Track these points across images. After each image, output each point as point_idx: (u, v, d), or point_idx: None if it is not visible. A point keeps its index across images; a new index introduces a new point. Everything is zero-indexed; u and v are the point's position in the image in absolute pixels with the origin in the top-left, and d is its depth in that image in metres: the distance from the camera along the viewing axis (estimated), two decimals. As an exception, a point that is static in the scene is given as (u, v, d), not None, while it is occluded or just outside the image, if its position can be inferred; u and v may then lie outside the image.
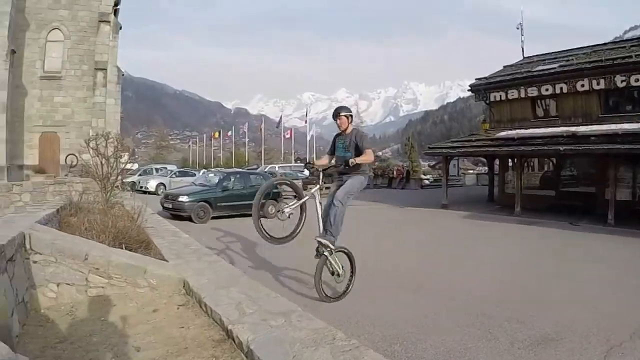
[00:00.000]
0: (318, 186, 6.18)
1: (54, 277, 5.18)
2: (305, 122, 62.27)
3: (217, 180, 17.06)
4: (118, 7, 25.11)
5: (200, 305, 4.95)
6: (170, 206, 15.41)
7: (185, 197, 15.45)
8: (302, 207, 6.22)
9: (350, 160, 5.73)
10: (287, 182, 7.16)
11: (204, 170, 54.04)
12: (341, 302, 6.11)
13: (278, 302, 4.63)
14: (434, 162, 45.18)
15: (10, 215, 7.78)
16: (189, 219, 14.99)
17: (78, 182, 14.84)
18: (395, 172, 42.13)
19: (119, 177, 12.18)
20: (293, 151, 66.08)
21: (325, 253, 5.92)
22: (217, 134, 78.00)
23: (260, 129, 65.62)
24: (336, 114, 6.29)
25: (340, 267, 6.11)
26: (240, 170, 25.46)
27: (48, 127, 22.68)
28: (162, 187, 27.92)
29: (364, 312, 5.81)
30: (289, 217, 5.90)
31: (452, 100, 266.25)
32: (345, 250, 6.26)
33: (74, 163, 19.87)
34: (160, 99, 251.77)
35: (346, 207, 6.02)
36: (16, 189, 14.18)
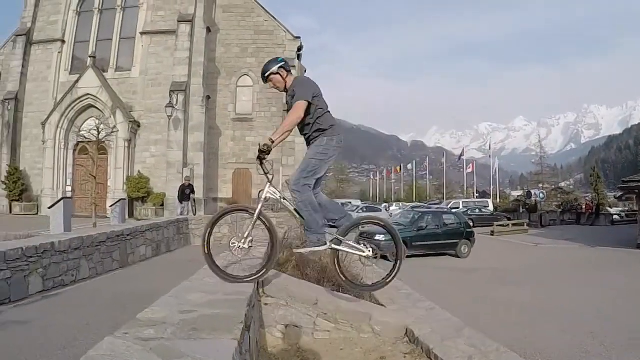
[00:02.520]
0: (267, 183, 4.11)
1: (282, 319, 5.37)
2: (490, 155, 58.87)
3: (411, 219, 17.00)
4: (301, 52, 25.90)
5: (428, 356, 4.83)
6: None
7: (382, 236, 15.24)
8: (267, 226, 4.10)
9: (260, 144, 3.84)
10: None
11: (384, 204, 54.26)
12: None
13: (509, 358, 4.39)
14: (620, 193, 39.64)
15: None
16: (384, 257, 14.62)
17: (272, 217, 15.22)
18: (584, 207, 38.62)
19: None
20: (475, 185, 63.16)
21: (333, 246, 4.19)
22: (398, 169, 77.93)
23: (441, 163, 63.74)
24: (264, 78, 4.23)
25: (363, 245, 4.34)
26: (435, 209, 24.46)
27: (241, 164, 24.06)
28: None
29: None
30: (249, 248, 4.10)
31: (636, 123, 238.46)
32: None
33: (268, 197, 20.63)
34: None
35: (307, 190, 4.06)
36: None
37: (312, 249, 4.16)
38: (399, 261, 4.38)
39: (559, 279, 12.31)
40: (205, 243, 3.98)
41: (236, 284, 4.14)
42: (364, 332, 5.59)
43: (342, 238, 4.11)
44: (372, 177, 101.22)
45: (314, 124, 4.08)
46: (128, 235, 9.22)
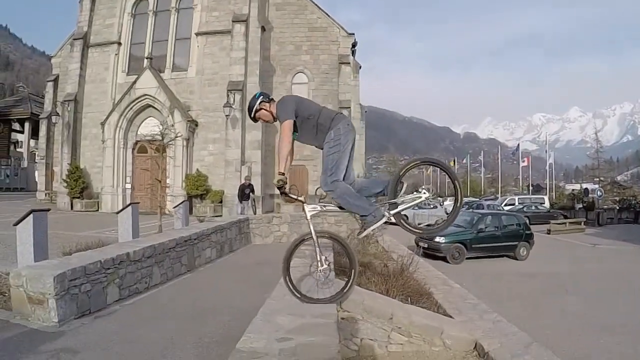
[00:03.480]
0: (304, 204, 4.09)
1: (358, 333, 5.64)
2: (546, 150, 56.78)
3: (470, 221, 16.73)
4: (355, 48, 25.61)
5: (498, 371, 5.02)
6: (426, 246, 15.08)
7: (442, 238, 15.38)
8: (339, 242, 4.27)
9: (274, 182, 4.06)
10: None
11: (439, 198, 53.40)
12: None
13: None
14: None
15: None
16: (443, 259, 15.10)
17: (330, 215, 15.36)
18: None
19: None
20: (530, 179, 61.19)
21: (392, 212, 3.99)
22: (452, 162, 76.71)
23: (496, 157, 61.98)
24: (253, 118, 4.40)
25: (416, 191, 4.05)
26: (494, 211, 24.14)
27: (297, 161, 23.92)
28: (405, 217, 27.90)
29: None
30: (328, 266, 4.13)
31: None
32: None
33: (323, 195, 20.70)
34: (390, 125, 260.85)
35: (338, 185, 3.93)
36: (276, 220, 15.09)
37: (372, 227, 4.00)
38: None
39: (617, 288, 11.88)
40: (286, 274, 4.05)
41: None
42: (436, 345, 5.85)
43: (395, 200, 3.95)
44: (425, 170, 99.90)
45: (317, 130, 4.02)
46: (195, 239, 9.27)
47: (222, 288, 7.68)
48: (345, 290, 4.17)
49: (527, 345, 5.86)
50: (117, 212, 9.37)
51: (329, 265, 4.11)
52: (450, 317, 6.88)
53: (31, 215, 6.28)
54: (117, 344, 4.68)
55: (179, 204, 12.63)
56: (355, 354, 5.51)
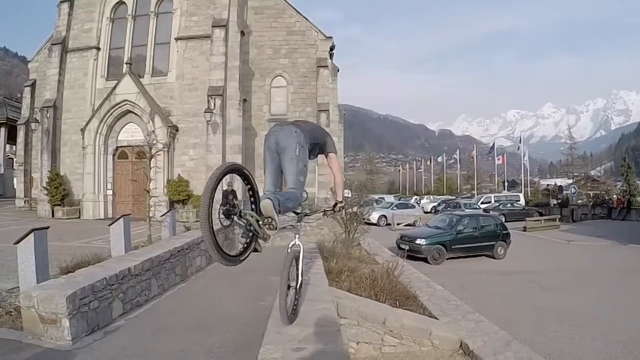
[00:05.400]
0: None
1: (355, 337, 6.25)
2: (519, 147, 58.06)
3: (449, 223, 17.58)
4: (333, 51, 25.86)
5: (483, 369, 5.48)
6: (407, 247, 15.86)
7: (423, 240, 16.26)
8: None
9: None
10: None
11: (415, 196, 54.11)
12: None
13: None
14: None
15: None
16: (424, 260, 15.72)
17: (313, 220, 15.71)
18: (615, 202, 38.14)
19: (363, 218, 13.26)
20: (505, 175, 62.27)
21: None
22: (429, 162, 77.68)
23: (472, 156, 62.87)
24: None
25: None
26: (472, 212, 24.93)
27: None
28: (383, 218, 28.99)
29: None
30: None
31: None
32: None
33: (305, 198, 20.97)
34: (366, 123, 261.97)
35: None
36: (257, 224, 15.18)
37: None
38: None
39: (591, 283, 12.68)
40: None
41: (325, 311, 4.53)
42: (425, 345, 6.40)
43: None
44: (401, 167, 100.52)
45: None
46: (187, 249, 9.50)
47: (217, 296, 7.93)
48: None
49: (508, 342, 6.41)
50: (110, 225, 9.50)
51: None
52: (436, 318, 7.53)
53: (32, 234, 6.42)
54: (131, 358, 4.92)
55: (166, 213, 12.77)
56: (352, 357, 5.92)
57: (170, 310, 6.90)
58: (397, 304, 7.56)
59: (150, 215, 12.29)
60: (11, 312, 5.93)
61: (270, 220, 3.51)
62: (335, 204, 4.34)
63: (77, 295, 5.29)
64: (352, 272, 9.14)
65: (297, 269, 4.22)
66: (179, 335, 5.65)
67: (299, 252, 4.18)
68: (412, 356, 6.35)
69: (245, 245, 3.63)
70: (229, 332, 5.75)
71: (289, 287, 4.07)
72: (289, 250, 4.17)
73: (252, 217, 3.50)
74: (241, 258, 3.57)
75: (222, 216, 3.38)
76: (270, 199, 3.44)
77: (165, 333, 5.74)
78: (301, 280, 4.32)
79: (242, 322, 6.07)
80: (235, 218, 3.48)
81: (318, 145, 4.28)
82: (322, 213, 4.68)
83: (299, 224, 4.34)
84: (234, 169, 3.55)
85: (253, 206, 3.65)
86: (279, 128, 4.07)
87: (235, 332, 5.70)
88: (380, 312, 6.59)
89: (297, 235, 4.20)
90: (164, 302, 7.35)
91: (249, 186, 3.68)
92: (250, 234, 3.61)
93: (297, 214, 4.30)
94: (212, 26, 22.53)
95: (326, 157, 4.34)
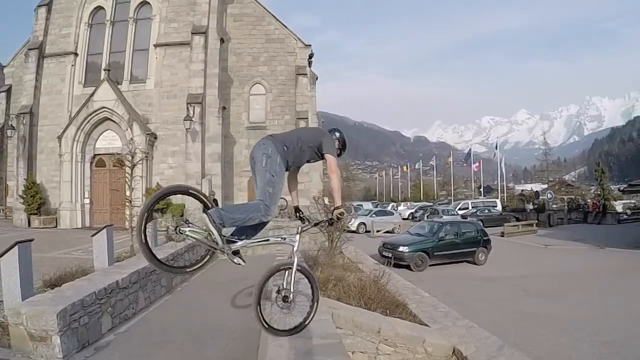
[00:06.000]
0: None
1: (350, 347, 6.22)
2: (495, 155, 59.01)
3: (430, 230, 17.80)
4: (312, 59, 25.94)
5: (477, 373, 5.46)
6: (390, 255, 16.07)
7: (405, 247, 16.37)
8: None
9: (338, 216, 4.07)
10: None
11: (392, 203, 54.38)
12: None
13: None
14: (624, 186, 40.27)
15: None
16: (407, 267, 15.81)
17: (293, 227, 15.65)
18: (590, 207, 39.34)
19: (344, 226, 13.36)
20: (482, 181, 63.11)
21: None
22: (405, 168, 78.23)
23: (448, 163, 63.63)
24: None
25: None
26: (453, 219, 25.48)
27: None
28: (362, 226, 28.98)
29: None
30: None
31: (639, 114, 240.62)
32: None
33: (284, 206, 20.89)
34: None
35: None
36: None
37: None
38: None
39: (573, 287, 12.97)
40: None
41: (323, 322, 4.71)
42: (418, 353, 6.47)
43: None
44: (377, 174, 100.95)
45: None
46: (172, 259, 9.37)
47: (207, 307, 7.84)
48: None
49: (500, 347, 6.51)
50: (92, 235, 9.30)
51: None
52: (427, 325, 7.56)
53: (16, 247, 6.25)
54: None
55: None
56: (348, 365, 5.83)
57: (159, 323, 6.78)
58: (388, 312, 7.62)
59: (133, 225, 12.03)
60: (-4, 329, 5.75)
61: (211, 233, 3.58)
62: (334, 210, 4.04)
63: (67, 311, 5.16)
64: (338, 280, 9.14)
65: (291, 282, 4.00)
66: (173, 349, 5.57)
67: (291, 265, 3.96)
68: (407, 364, 6.38)
69: (201, 257, 3.87)
70: (223, 345, 5.69)
71: (284, 299, 3.97)
72: (286, 259, 4.15)
73: (193, 232, 3.59)
74: (188, 269, 3.96)
75: (171, 230, 3.58)
76: (207, 214, 3.54)
77: (158, 347, 5.65)
78: (293, 292, 4.03)
79: (236, 334, 6.01)
80: (178, 232, 3.57)
81: (312, 149, 4.13)
82: (326, 223, 4.46)
83: (288, 239, 4.18)
84: (178, 191, 3.79)
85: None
86: (256, 143, 4.03)
87: (230, 346, 5.64)
88: (374, 321, 6.67)
89: (294, 247, 4.02)
90: (152, 315, 7.24)
91: (202, 205, 3.72)
92: (208, 248, 3.73)
93: (304, 221, 4.23)
94: (192, 33, 22.48)
95: (323, 159, 4.20)
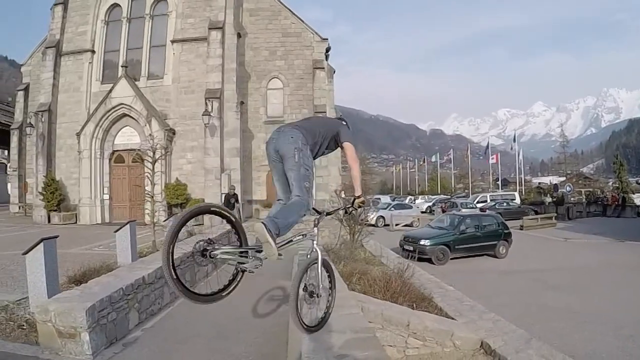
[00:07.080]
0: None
1: (380, 340, 5.60)
2: (512, 147, 58.19)
3: (451, 223, 17.76)
4: (329, 53, 25.81)
5: (507, 366, 5.47)
6: (411, 248, 16.01)
7: (427, 240, 16.41)
8: None
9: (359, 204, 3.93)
10: None
11: (409, 197, 54.15)
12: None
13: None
14: None
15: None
16: (428, 260, 15.83)
17: (310, 221, 15.69)
18: (610, 199, 38.68)
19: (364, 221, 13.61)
20: (499, 174, 62.55)
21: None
22: (423, 161, 77.86)
23: (466, 156, 63.03)
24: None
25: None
26: (474, 212, 25.24)
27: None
28: (381, 219, 29.19)
29: None
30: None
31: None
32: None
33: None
34: (357, 124, 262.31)
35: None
36: (258, 226, 15.11)
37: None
38: None
39: (595, 281, 12.81)
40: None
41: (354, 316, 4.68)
42: (447, 346, 6.52)
43: None
44: (394, 168, 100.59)
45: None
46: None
47: (230, 303, 7.75)
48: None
49: (528, 340, 6.50)
50: (115, 231, 9.32)
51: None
52: (453, 319, 7.50)
53: (42, 243, 6.25)
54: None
55: (169, 218, 12.61)
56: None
57: (185, 318, 6.72)
58: (414, 305, 7.57)
59: (154, 220, 12.05)
60: (23, 325, 5.74)
61: (267, 246, 3.08)
62: (354, 200, 3.92)
63: (95, 308, 5.13)
64: (362, 274, 9.08)
65: (316, 277, 3.70)
66: (201, 345, 5.52)
67: (316, 260, 3.67)
68: (435, 357, 6.44)
69: (229, 280, 3.34)
70: (251, 340, 5.61)
71: (311, 295, 3.61)
72: (308, 256, 3.91)
73: (225, 253, 3.20)
74: (222, 294, 3.26)
75: (198, 257, 3.13)
76: (264, 223, 3.10)
77: (185, 343, 5.60)
78: (321, 288, 3.87)
79: (263, 329, 5.93)
80: (208, 257, 3.13)
81: (331, 137, 3.90)
82: (343, 211, 4.34)
83: (307, 234, 3.94)
84: (199, 213, 3.21)
85: (239, 240, 3.35)
86: (277, 134, 3.67)
87: (258, 341, 5.56)
88: (403, 315, 6.66)
89: (314, 241, 3.74)
90: (177, 310, 7.19)
91: (225, 220, 3.32)
92: (235, 269, 3.34)
93: (318, 212, 4.02)
94: (209, 28, 22.42)
95: (341, 147, 3.95)
